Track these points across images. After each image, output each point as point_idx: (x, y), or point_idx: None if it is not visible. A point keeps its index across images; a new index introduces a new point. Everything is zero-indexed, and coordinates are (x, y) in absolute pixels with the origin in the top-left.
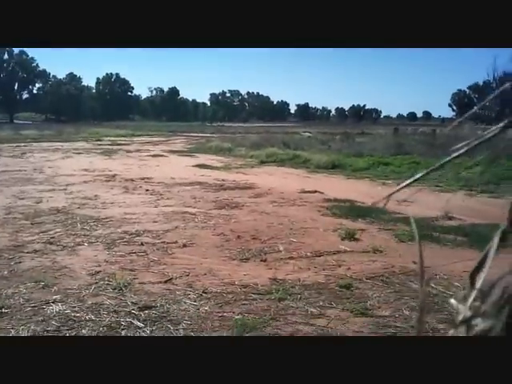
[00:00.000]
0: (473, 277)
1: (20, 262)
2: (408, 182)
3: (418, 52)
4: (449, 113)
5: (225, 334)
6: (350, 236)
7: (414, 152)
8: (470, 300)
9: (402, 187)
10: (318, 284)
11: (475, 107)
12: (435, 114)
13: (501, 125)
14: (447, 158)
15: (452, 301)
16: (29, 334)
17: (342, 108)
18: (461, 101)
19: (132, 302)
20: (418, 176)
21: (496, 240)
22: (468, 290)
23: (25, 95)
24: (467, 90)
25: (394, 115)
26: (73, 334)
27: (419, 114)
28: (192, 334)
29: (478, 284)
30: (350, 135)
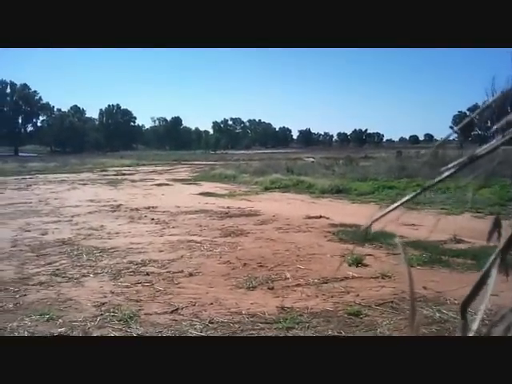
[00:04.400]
0: (464, 307)
1: (25, 295)
2: (397, 204)
3: (417, 75)
4: (451, 135)
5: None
6: (358, 262)
7: (417, 175)
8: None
9: (391, 210)
10: (327, 312)
11: (455, 127)
12: (437, 137)
13: (493, 142)
14: (437, 179)
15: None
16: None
17: (344, 133)
18: (461, 122)
19: (138, 334)
20: (407, 198)
21: (494, 265)
22: (461, 325)
23: (29, 128)
24: (467, 112)
25: (396, 139)
26: None
27: (421, 137)
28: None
29: (475, 325)
30: (354, 159)
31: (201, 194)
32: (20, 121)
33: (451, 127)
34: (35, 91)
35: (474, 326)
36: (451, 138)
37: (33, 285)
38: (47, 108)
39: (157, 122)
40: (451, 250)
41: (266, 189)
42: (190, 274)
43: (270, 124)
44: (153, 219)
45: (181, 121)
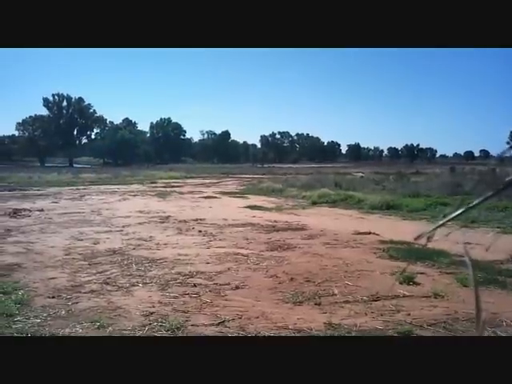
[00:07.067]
0: None
1: (77, 303)
2: (445, 220)
3: (472, 91)
4: (508, 151)
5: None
6: (409, 280)
7: (472, 192)
8: None
9: (440, 225)
10: (376, 330)
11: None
12: (493, 153)
13: None
14: (482, 198)
15: None
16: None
17: (394, 148)
18: None
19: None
20: (454, 214)
21: None
22: None
23: (83, 140)
24: None
25: (450, 154)
26: None
27: (476, 153)
28: None
29: None
30: (405, 175)
31: (248, 207)
32: (75, 133)
33: (508, 143)
34: (89, 104)
35: None
36: (509, 156)
37: (84, 293)
38: (101, 121)
39: (206, 135)
40: (508, 270)
41: (314, 203)
42: (237, 287)
43: (318, 138)
44: (200, 231)
45: (229, 134)
